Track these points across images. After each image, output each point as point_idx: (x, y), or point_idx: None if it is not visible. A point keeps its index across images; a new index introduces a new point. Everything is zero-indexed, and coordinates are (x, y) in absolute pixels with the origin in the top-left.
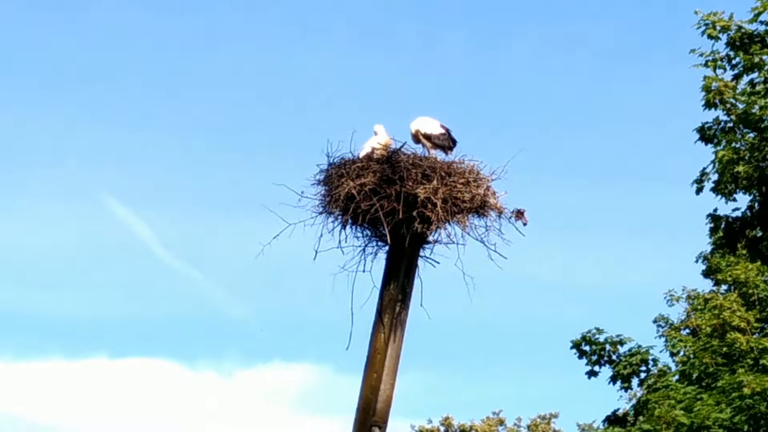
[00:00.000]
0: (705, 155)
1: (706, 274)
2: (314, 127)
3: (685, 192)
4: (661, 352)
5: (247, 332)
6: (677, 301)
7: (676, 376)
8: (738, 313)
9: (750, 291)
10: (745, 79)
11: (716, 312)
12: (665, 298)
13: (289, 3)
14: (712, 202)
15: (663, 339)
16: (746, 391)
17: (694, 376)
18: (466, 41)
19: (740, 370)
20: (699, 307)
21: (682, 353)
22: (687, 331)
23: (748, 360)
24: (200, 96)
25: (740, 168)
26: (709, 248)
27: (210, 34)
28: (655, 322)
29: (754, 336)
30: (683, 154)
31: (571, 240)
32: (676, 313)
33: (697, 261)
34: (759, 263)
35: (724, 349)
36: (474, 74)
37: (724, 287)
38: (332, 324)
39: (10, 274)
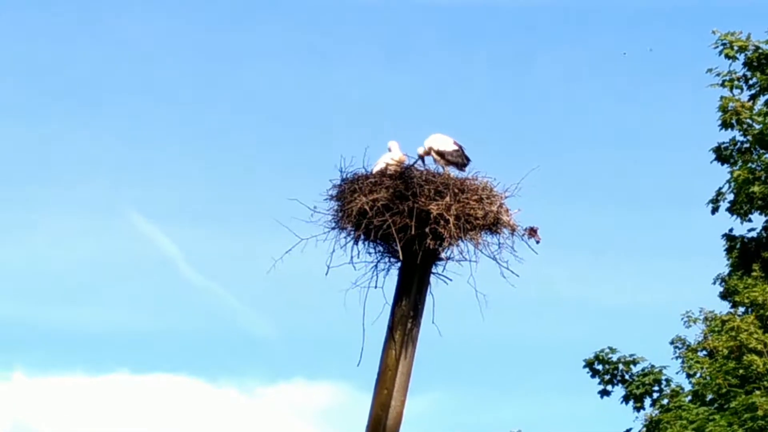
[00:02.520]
0: (721, 175)
1: (724, 296)
2: (328, 142)
3: (702, 213)
4: (677, 373)
5: (270, 350)
6: (694, 322)
7: (689, 397)
8: (755, 335)
9: (767, 313)
10: (762, 99)
11: (733, 334)
12: (682, 319)
13: (310, 20)
14: (727, 222)
15: (680, 360)
16: (759, 412)
17: (708, 396)
18: (488, 61)
19: (756, 392)
20: (716, 328)
21: (698, 375)
22: (704, 352)
23: (765, 382)
24: (223, 112)
25: (756, 188)
26: (726, 270)
27: (233, 51)
28: (672, 343)
29: None
30: (699, 175)
31: (586, 261)
32: (693, 334)
33: (714, 283)
34: None
35: (741, 371)
36: (494, 94)
37: (741, 309)
38: (353, 341)
39: (34, 288)
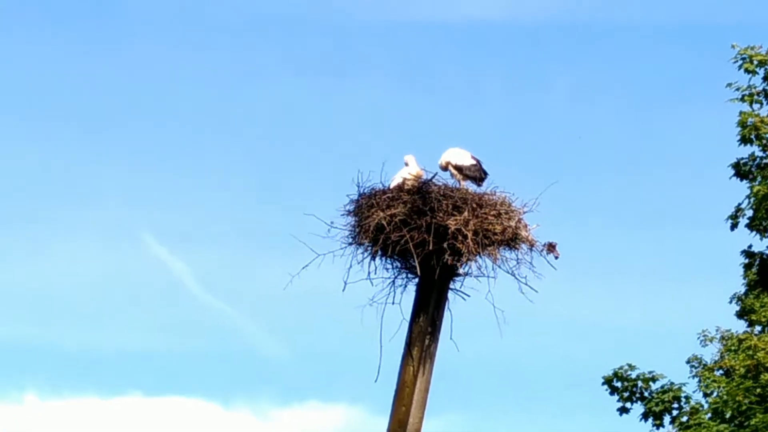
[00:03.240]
0: (740, 191)
1: (740, 314)
2: (345, 157)
3: (717, 233)
4: (694, 392)
5: (284, 372)
6: (711, 341)
7: (709, 414)
8: None
9: None
10: None
11: (750, 353)
12: (698, 338)
13: (324, 40)
14: (746, 238)
15: (696, 379)
16: None
17: (727, 414)
18: (503, 84)
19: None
20: (733, 347)
21: (715, 394)
22: (721, 371)
23: None
24: (236, 134)
25: None
26: (743, 289)
27: (245, 72)
28: (688, 362)
29: None
30: (716, 193)
31: (602, 280)
32: (710, 353)
33: (730, 302)
34: None
35: (758, 390)
36: (510, 117)
37: (758, 328)
38: (368, 363)
39: (47, 310)
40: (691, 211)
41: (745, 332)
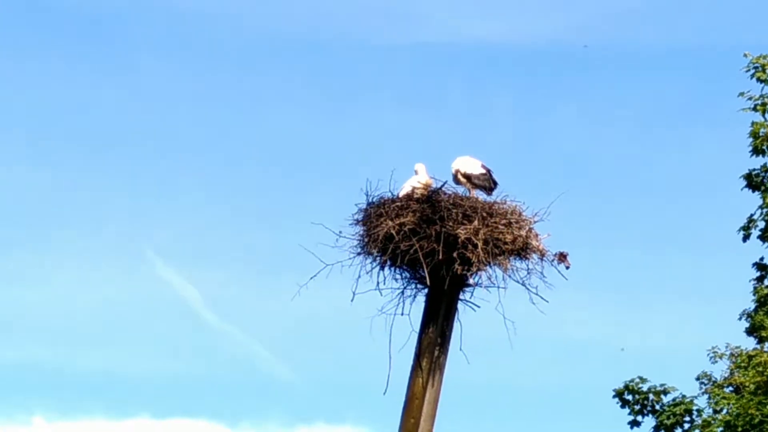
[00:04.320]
0: (751, 203)
1: (750, 331)
2: (354, 167)
3: (729, 248)
4: (704, 409)
5: (291, 394)
6: (720, 358)
7: (721, 428)
8: None
9: None
10: None
11: (760, 369)
12: (708, 355)
13: (333, 64)
14: (757, 252)
15: (706, 396)
16: None
17: (739, 428)
18: (512, 105)
19: None
20: (743, 364)
21: (725, 411)
22: (730, 388)
23: None
24: (243, 155)
25: None
26: (752, 305)
27: (251, 93)
28: (698, 379)
29: None
30: (727, 210)
31: (611, 297)
32: (719, 370)
33: (740, 318)
34: None
35: (759, 413)
36: (518, 138)
37: (767, 345)
38: (375, 385)
39: (54, 332)
40: (700, 228)
41: (754, 349)
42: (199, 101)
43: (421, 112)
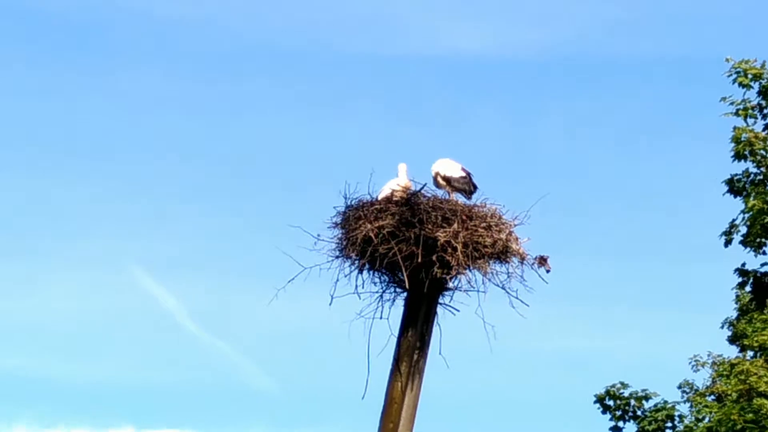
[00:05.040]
0: (732, 209)
1: (732, 340)
2: (332, 171)
3: (710, 258)
4: (686, 416)
5: (273, 403)
6: (702, 366)
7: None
8: (765, 379)
9: None
10: None
11: (743, 377)
12: (690, 363)
13: (312, 75)
14: (739, 257)
15: (688, 405)
16: None
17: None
18: (496, 115)
19: None
20: (725, 372)
21: (707, 419)
22: (712, 397)
23: None
24: (224, 164)
25: None
26: (734, 314)
27: (231, 102)
28: (679, 387)
29: None
30: (709, 220)
31: (592, 306)
32: (701, 378)
33: (722, 327)
34: None
35: (750, 415)
36: (502, 148)
37: (750, 353)
38: (355, 393)
39: (37, 342)
40: (683, 236)
41: (737, 357)
42: (180, 109)
43: (401, 123)
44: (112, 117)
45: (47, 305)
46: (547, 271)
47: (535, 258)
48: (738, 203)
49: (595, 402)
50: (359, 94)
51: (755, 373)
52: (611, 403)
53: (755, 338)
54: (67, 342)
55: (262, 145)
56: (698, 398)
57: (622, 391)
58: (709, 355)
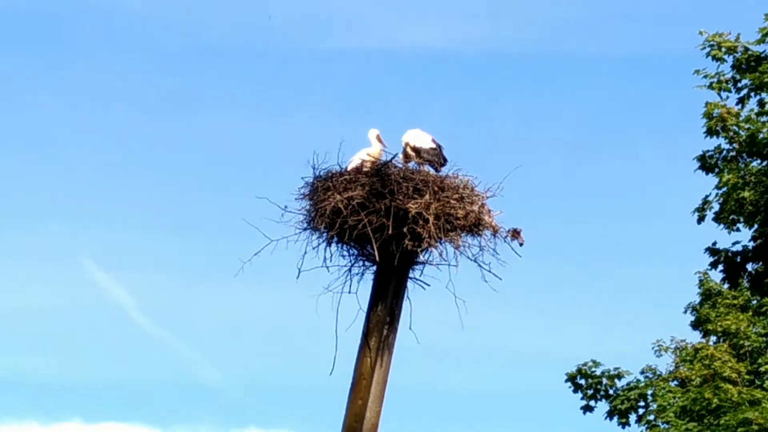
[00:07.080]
0: (704, 186)
1: (695, 325)
2: (299, 138)
3: (677, 239)
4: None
5: (223, 398)
6: (665, 351)
7: (676, 412)
8: (729, 364)
9: (740, 342)
10: (753, 100)
11: (707, 362)
12: (653, 348)
13: (267, 70)
14: (710, 236)
15: (651, 390)
16: (755, 427)
17: (695, 413)
18: (449, 111)
19: (749, 407)
20: (688, 357)
21: (670, 405)
22: (675, 382)
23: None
24: (179, 157)
25: (746, 193)
26: (698, 299)
27: (188, 96)
28: (642, 372)
29: (745, 387)
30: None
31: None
32: (665, 363)
33: (685, 312)
34: (749, 314)
35: (715, 399)
36: (456, 144)
37: (713, 338)
38: (311, 389)
39: None
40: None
41: (700, 342)
42: (135, 104)
43: (354, 118)
44: (67, 109)
45: None
46: (521, 245)
47: (508, 231)
48: (710, 180)
49: (566, 381)
50: (316, 90)
51: (719, 358)
52: (583, 381)
53: (719, 323)
54: (15, 336)
55: (220, 140)
56: (661, 383)
57: (593, 369)
58: (672, 340)
